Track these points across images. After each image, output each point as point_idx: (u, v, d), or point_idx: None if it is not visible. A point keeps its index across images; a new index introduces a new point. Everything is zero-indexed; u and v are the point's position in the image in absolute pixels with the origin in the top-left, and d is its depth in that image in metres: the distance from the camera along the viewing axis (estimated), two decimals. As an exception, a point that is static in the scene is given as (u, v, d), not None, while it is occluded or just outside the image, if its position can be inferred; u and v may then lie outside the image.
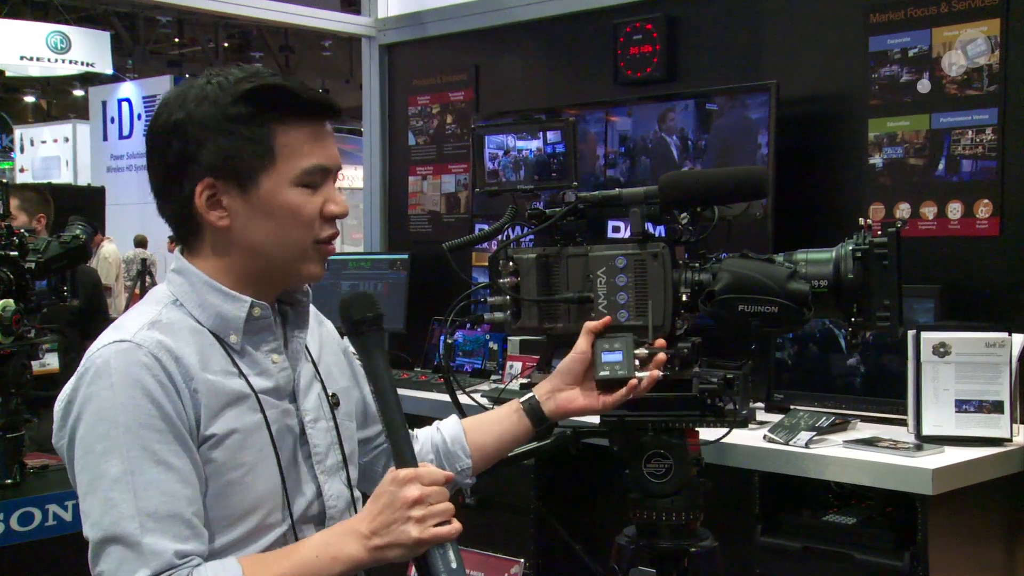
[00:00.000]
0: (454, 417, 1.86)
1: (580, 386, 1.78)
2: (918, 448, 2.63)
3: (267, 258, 1.51)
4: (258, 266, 1.52)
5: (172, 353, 1.43)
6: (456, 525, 1.41)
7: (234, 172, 1.47)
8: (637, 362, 1.71)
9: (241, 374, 1.50)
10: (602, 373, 1.72)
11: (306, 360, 1.62)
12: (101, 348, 1.44)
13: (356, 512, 1.61)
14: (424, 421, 1.98)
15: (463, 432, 1.83)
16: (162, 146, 1.50)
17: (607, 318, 1.78)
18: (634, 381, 1.70)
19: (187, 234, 1.53)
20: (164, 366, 1.42)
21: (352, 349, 1.77)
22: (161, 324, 1.47)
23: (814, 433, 2.72)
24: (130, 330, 1.45)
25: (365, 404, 1.80)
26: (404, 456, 1.45)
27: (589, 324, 1.78)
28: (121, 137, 15.81)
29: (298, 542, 1.48)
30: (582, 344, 1.77)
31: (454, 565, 1.40)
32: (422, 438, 1.85)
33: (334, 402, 1.63)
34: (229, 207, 1.48)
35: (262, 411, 1.50)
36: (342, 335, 1.70)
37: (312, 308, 1.71)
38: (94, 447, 1.40)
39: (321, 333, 1.71)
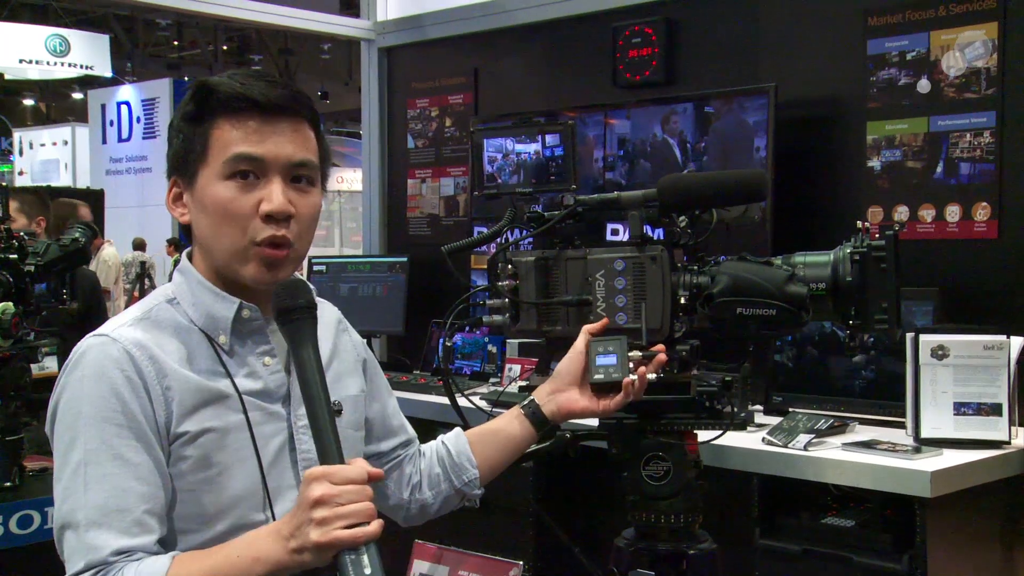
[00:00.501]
0: (458, 429, 1.87)
1: (579, 387, 1.78)
2: (917, 451, 2.64)
3: (213, 256, 1.53)
4: (214, 264, 1.53)
5: (147, 351, 1.46)
6: (372, 528, 1.29)
7: (181, 168, 1.52)
8: (631, 364, 1.70)
9: (227, 374, 1.51)
10: (596, 376, 1.72)
11: None
12: (84, 341, 1.49)
13: None
14: (423, 424, 1.98)
15: (468, 443, 1.83)
16: None
17: (605, 320, 1.78)
18: (628, 380, 1.69)
19: (187, 234, 1.59)
20: (136, 363, 1.44)
21: (370, 359, 1.78)
22: (148, 321, 1.50)
23: (813, 436, 2.73)
24: (113, 326, 1.49)
25: (384, 417, 1.80)
26: (325, 450, 1.35)
27: (588, 327, 1.78)
28: (120, 140, 15.80)
29: (230, 540, 1.44)
30: (580, 344, 1.77)
31: (367, 571, 1.27)
32: (428, 452, 1.86)
33: (336, 410, 1.61)
34: (187, 203, 1.53)
35: (244, 412, 1.50)
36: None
37: (336, 315, 1.73)
38: (63, 436, 1.44)
39: (338, 340, 1.71)
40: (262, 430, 1.52)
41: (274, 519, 1.50)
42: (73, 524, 1.40)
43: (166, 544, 1.44)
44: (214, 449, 1.48)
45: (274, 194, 1.47)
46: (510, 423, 1.82)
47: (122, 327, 1.48)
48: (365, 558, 1.28)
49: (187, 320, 1.52)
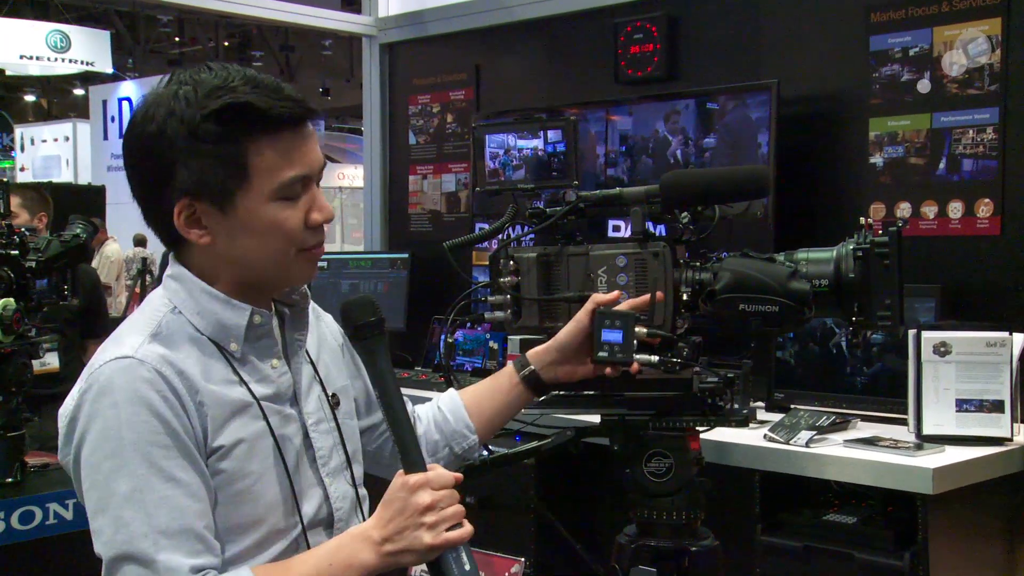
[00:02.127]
0: (451, 392, 1.85)
1: (578, 358, 1.77)
2: (918, 447, 2.63)
3: (254, 271, 1.50)
4: (246, 276, 1.51)
5: (175, 367, 1.42)
6: (467, 528, 1.42)
7: (209, 193, 1.43)
8: (636, 343, 1.70)
9: (242, 382, 1.49)
10: (600, 354, 1.71)
11: (306, 362, 1.61)
12: (103, 365, 1.42)
13: (361, 511, 1.62)
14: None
15: (463, 407, 1.82)
16: (139, 161, 1.48)
17: (616, 292, 1.77)
18: (635, 367, 1.70)
19: (174, 242, 1.52)
20: (168, 381, 1.41)
21: (346, 342, 1.76)
22: (162, 336, 1.46)
23: (814, 432, 2.72)
24: (132, 345, 1.43)
25: (368, 393, 1.78)
26: (412, 460, 1.45)
27: (598, 296, 1.76)
28: (121, 136, 15.73)
29: (309, 550, 1.47)
30: (583, 316, 1.75)
31: (467, 567, 1.41)
32: (424, 418, 1.84)
33: (334, 402, 1.62)
34: (209, 226, 1.46)
35: (265, 419, 1.49)
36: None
37: (311, 303, 1.70)
38: (101, 466, 1.39)
39: (319, 330, 1.69)
40: (282, 434, 1.51)
41: (302, 522, 1.51)
42: (135, 555, 1.36)
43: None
44: (246, 460, 1.46)
45: (323, 203, 1.50)
46: (506, 386, 1.81)
47: (143, 345, 1.43)
48: (464, 555, 1.41)
49: (194, 330, 1.49)
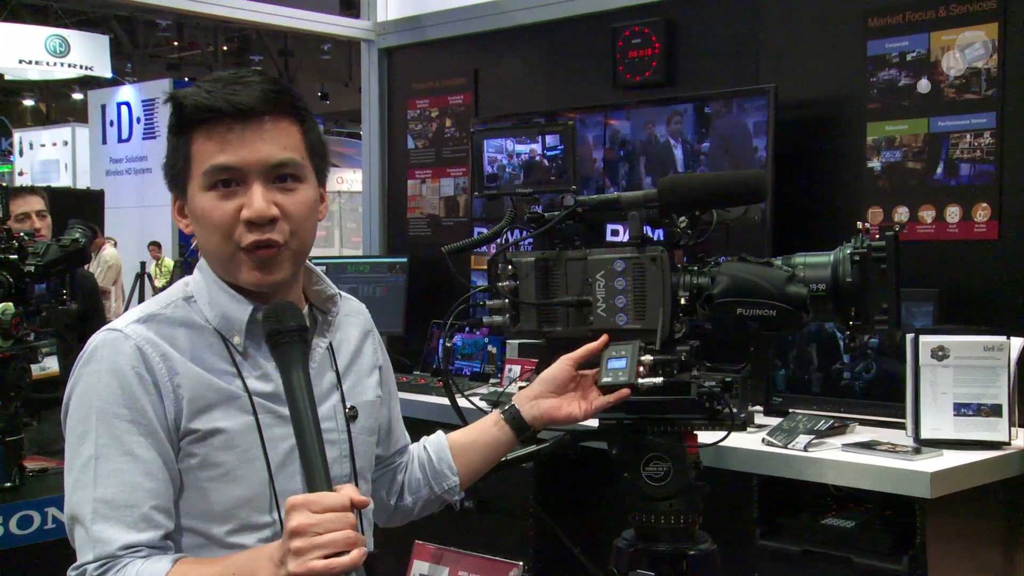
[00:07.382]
0: (440, 433, 1.86)
1: (562, 394, 1.78)
2: (917, 451, 2.64)
3: (212, 264, 1.54)
4: (217, 271, 1.54)
5: (159, 348, 1.47)
6: (347, 559, 1.27)
7: (175, 182, 1.54)
8: (641, 368, 1.71)
9: (239, 375, 1.51)
10: (604, 379, 1.72)
11: (330, 369, 1.61)
12: (98, 334, 1.50)
13: (361, 528, 1.61)
14: (423, 424, 1.98)
15: (448, 449, 1.82)
16: None
17: (592, 345, 1.78)
18: (626, 391, 1.70)
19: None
20: (147, 359, 1.45)
21: (386, 365, 1.77)
22: (161, 317, 1.51)
23: (813, 436, 2.73)
24: (126, 320, 1.50)
25: (390, 424, 1.80)
26: (313, 479, 1.33)
27: (566, 357, 1.79)
28: (120, 141, 15.77)
29: (229, 555, 1.45)
30: (567, 356, 1.79)
31: None
32: (411, 454, 1.85)
33: (351, 415, 1.62)
34: (188, 215, 1.54)
35: (254, 413, 1.50)
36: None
37: (364, 316, 1.74)
38: (75, 428, 1.46)
39: (363, 344, 1.71)
40: (272, 432, 1.52)
41: (281, 522, 1.50)
42: (80, 517, 1.42)
43: (173, 539, 1.45)
44: (223, 449, 1.48)
45: (253, 199, 1.46)
46: (490, 428, 1.81)
47: (135, 323, 1.49)
48: None
49: (202, 319, 1.52)
